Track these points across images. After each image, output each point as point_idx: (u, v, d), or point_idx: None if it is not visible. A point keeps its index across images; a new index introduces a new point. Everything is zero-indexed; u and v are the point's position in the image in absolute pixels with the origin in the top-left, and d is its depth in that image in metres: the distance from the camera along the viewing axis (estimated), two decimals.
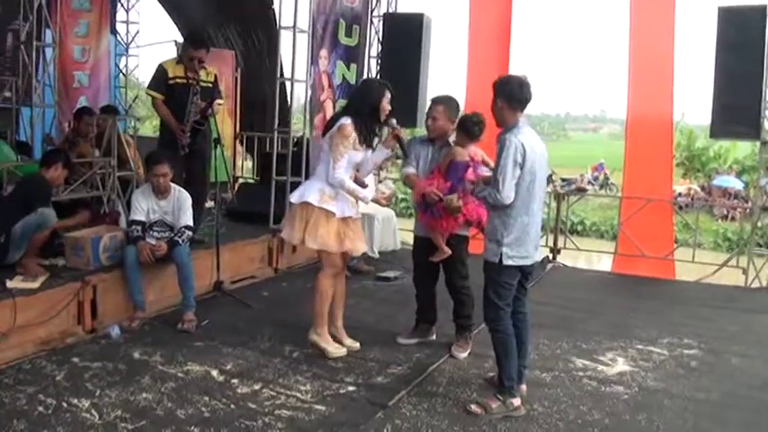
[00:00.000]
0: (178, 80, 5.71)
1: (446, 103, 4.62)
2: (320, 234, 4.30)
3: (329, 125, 4.39)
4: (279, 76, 7.12)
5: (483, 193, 3.76)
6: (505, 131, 3.72)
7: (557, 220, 8.53)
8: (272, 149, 7.39)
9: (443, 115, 4.58)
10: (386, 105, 4.34)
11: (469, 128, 4.50)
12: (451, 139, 4.62)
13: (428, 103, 5.04)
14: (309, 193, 4.34)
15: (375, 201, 4.61)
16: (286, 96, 7.76)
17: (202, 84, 5.79)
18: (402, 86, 6.19)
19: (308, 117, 7.29)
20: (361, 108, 4.31)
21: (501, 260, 3.74)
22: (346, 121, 4.25)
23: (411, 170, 4.65)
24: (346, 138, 4.24)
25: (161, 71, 5.73)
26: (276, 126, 7.13)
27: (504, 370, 3.89)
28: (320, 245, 4.32)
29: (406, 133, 4.86)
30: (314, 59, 7.21)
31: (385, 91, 4.35)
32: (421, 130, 5.03)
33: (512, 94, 3.73)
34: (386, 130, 4.55)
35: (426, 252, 4.70)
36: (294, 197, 4.40)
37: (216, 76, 5.96)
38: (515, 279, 3.84)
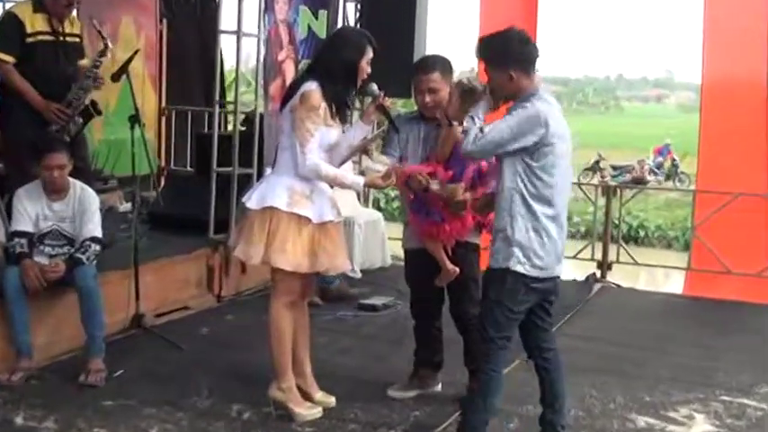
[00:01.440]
0: (41, 36, 5.54)
1: (442, 66, 4.63)
2: (290, 250, 4.32)
3: (289, 94, 4.43)
4: (219, 28, 7.01)
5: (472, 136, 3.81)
6: (523, 99, 3.83)
7: (606, 224, 8.49)
8: (213, 130, 7.40)
9: (444, 84, 4.57)
10: (365, 66, 4.38)
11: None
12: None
13: None
14: (274, 193, 4.36)
15: (370, 185, 4.60)
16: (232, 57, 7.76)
17: (68, 39, 5.67)
18: (391, 44, 6.15)
19: (260, 84, 7.29)
20: (332, 68, 4.35)
21: (509, 266, 3.78)
22: (311, 86, 4.28)
23: (391, 159, 4.65)
24: (313, 109, 4.26)
25: (13, 22, 5.51)
26: (217, 98, 7.25)
27: (469, 424, 3.97)
28: (292, 264, 4.34)
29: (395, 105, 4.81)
30: (268, 5, 7.19)
31: (366, 45, 4.39)
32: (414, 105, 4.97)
33: (525, 55, 3.83)
34: (367, 103, 4.58)
35: (425, 268, 4.69)
36: (252, 200, 4.41)
37: (82, 27, 5.88)
38: (526, 303, 3.87)
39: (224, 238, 6.75)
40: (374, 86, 4.40)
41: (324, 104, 4.29)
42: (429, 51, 7.90)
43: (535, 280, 3.80)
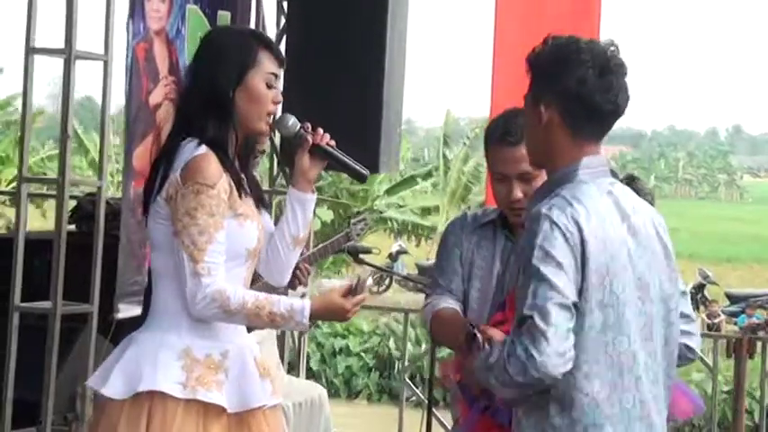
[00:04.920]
0: None
1: None
2: None
3: (156, 175, 3.29)
4: (32, 45, 5.47)
5: (493, 359, 2.79)
6: (545, 190, 2.86)
7: (737, 405, 6.38)
8: (17, 228, 5.85)
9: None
10: (262, 88, 3.31)
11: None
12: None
13: (404, 119, 5.31)
14: (155, 365, 3.27)
15: (323, 311, 3.45)
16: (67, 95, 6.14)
17: None
18: (342, 73, 5.93)
19: (111, 146, 5.78)
20: (210, 108, 3.29)
21: None
22: (198, 150, 3.25)
23: (446, 302, 3.80)
24: (208, 190, 3.21)
25: None
26: (25, 169, 5.69)
27: None
28: None
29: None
30: (135, 6, 5.97)
31: (255, 49, 3.34)
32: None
33: (580, 94, 2.69)
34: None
35: None
36: (110, 382, 3.25)
37: None
38: None
39: None
40: (289, 119, 3.43)
41: (227, 178, 3.24)
42: (407, 102, 6.72)
43: None
